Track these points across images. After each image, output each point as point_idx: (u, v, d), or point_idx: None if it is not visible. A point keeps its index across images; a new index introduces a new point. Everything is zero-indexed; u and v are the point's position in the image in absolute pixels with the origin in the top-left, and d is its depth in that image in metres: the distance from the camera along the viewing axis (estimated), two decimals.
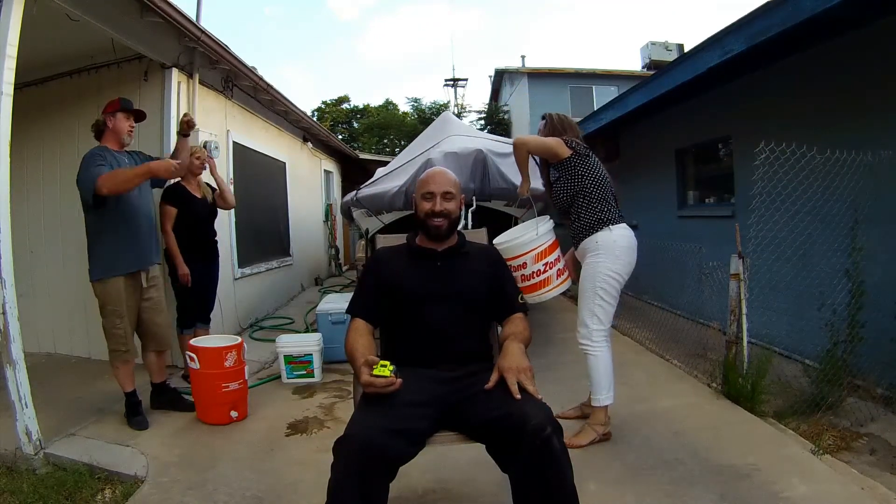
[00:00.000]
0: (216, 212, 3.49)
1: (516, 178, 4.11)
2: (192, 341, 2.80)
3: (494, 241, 2.20)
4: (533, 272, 2.17)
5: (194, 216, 3.28)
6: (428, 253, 1.75)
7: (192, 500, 2.03)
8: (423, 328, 1.64)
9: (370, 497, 1.27)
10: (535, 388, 1.41)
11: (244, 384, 2.79)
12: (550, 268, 2.21)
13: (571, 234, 2.50)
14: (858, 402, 2.74)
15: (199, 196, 3.33)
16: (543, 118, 2.65)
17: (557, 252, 2.29)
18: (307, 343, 3.44)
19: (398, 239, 1.92)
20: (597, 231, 2.35)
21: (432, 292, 1.67)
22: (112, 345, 2.65)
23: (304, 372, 3.39)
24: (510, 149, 4.42)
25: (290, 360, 3.38)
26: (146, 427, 2.64)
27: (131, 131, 2.77)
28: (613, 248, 2.31)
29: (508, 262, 2.02)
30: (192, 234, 3.26)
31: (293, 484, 2.12)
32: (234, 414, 2.72)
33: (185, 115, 2.98)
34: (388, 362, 1.41)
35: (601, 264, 2.31)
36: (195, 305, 3.33)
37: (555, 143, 2.43)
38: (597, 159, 2.47)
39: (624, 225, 2.38)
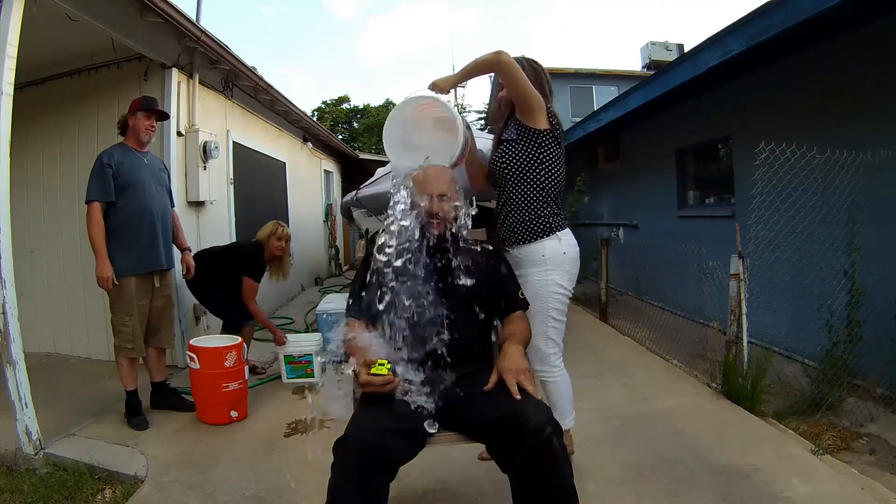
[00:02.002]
0: None
1: None
2: (193, 341, 2.80)
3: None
4: None
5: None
6: (428, 252, 1.72)
7: (192, 500, 2.03)
8: (422, 328, 1.64)
9: (370, 497, 1.27)
10: (534, 388, 1.41)
11: (244, 384, 2.79)
12: None
13: (504, 225, 2.05)
14: (858, 402, 2.74)
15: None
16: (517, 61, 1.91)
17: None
18: (307, 343, 3.45)
19: None
20: (543, 238, 1.96)
21: (433, 293, 1.65)
22: (118, 341, 2.68)
23: (304, 372, 3.39)
24: None
25: (290, 360, 3.39)
26: (146, 427, 2.64)
27: (150, 130, 2.77)
28: (563, 262, 1.96)
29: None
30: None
31: (293, 484, 2.12)
32: (234, 414, 2.71)
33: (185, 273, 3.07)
34: (385, 361, 1.41)
35: (550, 281, 1.95)
36: (236, 308, 3.36)
37: (539, 102, 1.93)
38: (563, 151, 2.05)
39: (568, 231, 2.02)
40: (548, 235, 1.96)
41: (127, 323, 2.65)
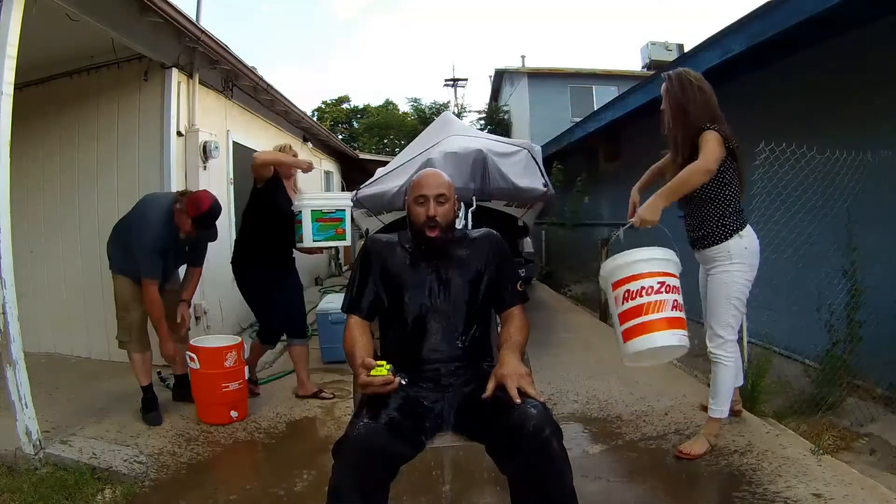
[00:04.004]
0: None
1: (516, 178, 4.13)
2: (193, 341, 2.80)
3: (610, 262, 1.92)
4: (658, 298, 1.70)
5: (286, 218, 2.93)
6: (427, 250, 1.68)
7: (193, 499, 2.03)
8: (422, 327, 1.63)
9: (371, 497, 1.27)
10: (536, 391, 1.40)
11: (244, 384, 2.79)
12: (673, 300, 1.79)
13: (694, 234, 2.25)
14: (858, 402, 2.74)
15: (292, 199, 3.01)
16: (669, 80, 2.21)
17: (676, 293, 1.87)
18: (339, 198, 2.94)
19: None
20: (727, 240, 2.13)
21: (432, 291, 1.65)
22: (118, 334, 2.73)
23: (334, 233, 2.92)
24: (510, 149, 4.46)
25: (318, 216, 2.83)
26: (159, 423, 2.65)
27: (191, 234, 2.67)
28: (746, 256, 2.13)
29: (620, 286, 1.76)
30: (281, 238, 2.94)
31: (293, 484, 2.12)
32: (234, 414, 2.72)
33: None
34: (384, 362, 1.41)
35: (736, 273, 2.13)
36: (281, 318, 2.99)
37: (717, 145, 2.06)
38: (737, 163, 2.19)
39: (749, 227, 2.18)
40: (730, 237, 2.14)
41: (124, 317, 2.71)
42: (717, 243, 2.16)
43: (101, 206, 3.75)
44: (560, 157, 8.29)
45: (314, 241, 2.83)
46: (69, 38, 3.26)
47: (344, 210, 2.89)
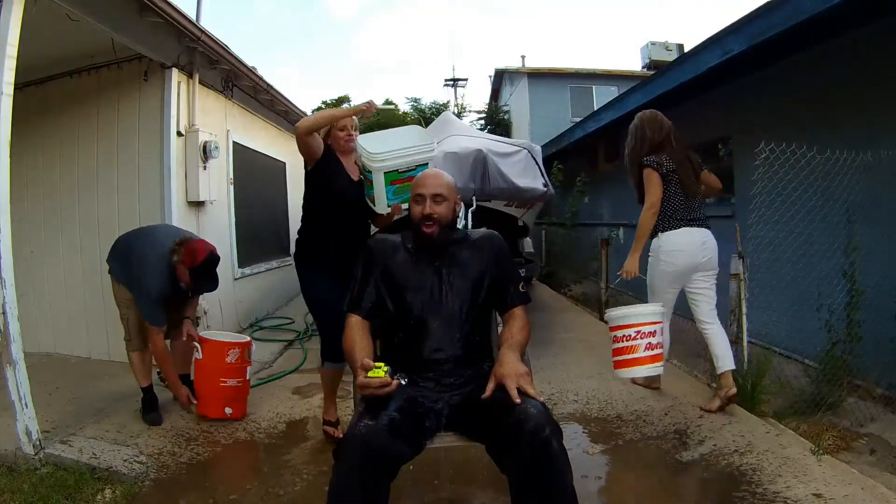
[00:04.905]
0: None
1: (516, 178, 4.14)
2: (203, 333, 2.80)
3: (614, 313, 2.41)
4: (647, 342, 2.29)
5: (346, 203, 2.38)
6: (428, 250, 1.70)
7: (193, 499, 2.03)
8: (423, 327, 1.64)
9: (371, 497, 1.27)
10: (536, 391, 1.41)
11: (245, 384, 2.78)
12: (646, 343, 2.31)
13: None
14: (858, 402, 2.74)
15: (354, 178, 2.43)
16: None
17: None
18: (418, 149, 2.29)
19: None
20: (653, 238, 2.74)
21: (434, 291, 1.65)
22: (125, 334, 2.73)
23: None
24: (510, 149, 4.46)
25: (393, 178, 2.25)
26: (160, 423, 2.65)
27: (189, 285, 2.62)
28: (661, 254, 2.72)
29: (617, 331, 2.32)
30: (342, 230, 2.38)
31: (294, 484, 2.12)
32: (228, 410, 2.70)
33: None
34: (382, 364, 1.41)
35: (653, 262, 2.77)
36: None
37: (653, 182, 2.67)
38: (671, 177, 2.72)
39: (673, 231, 2.69)
40: (655, 236, 2.73)
41: (124, 316, 2.70)
42: (651, 238, 2.76)
43: (101, 206, 3.75)
44: (560, 157, 8.28)
45: (389, 203, 2.29)
46: (69, 38, 3.26)
47: (426, 165, 2.26)
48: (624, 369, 2.35)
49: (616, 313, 2.38)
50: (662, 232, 2.68)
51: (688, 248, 2.66)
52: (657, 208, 2.65)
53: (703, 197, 2.86)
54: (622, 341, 2.30)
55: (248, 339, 2.83)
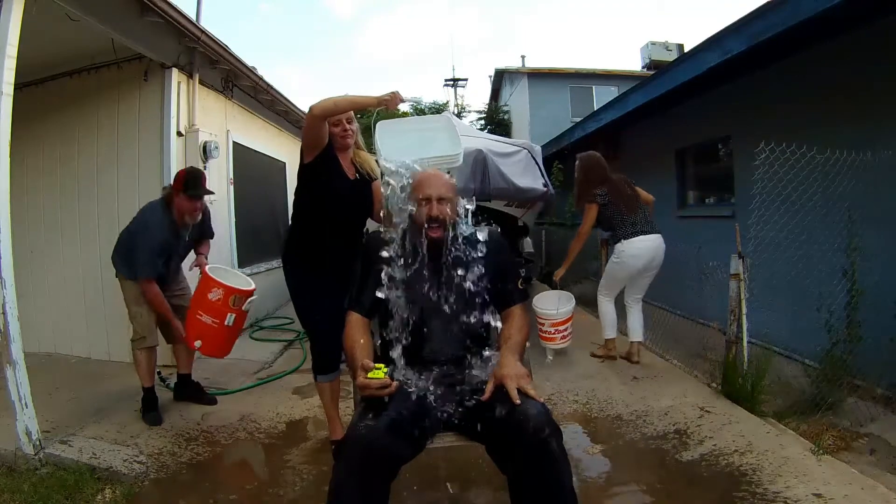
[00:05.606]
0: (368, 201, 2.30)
1: (516, 178, 4.14)
2: (217, 266, 2.80)
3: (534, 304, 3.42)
4: (549, 331, 3.51)
5: (341, 200, 2.22)
6: (429, 249, 1.68)
7: (193, 499, 2.03)
8: (423, 326, 1.63)
9: (371, 497, 1.27)
10: (535, 392, 1.40)
11: (221, 327, 2.58)
12: (559, 333, 3.51)
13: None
14: (858, 402, 2.74)
15: (350, 177, 2.25)
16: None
17: (569, 324, 3.52)
18: (445, 148, 2.22)
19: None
20: (615, 244, 3.47)
21: (433, 290, 1.65)
22: (133, 333, 2.73)
23: None
24: (510, 149, 4.46)
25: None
26: (160, 423, 2.65)
27: (194, 213, 2.66)
28: (616, 256, 3.45)
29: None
30: (335, 227, 2.24)
31: (294, 484, 2.12)
32: (197, 343, 2.61)
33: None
34: (382, 365, 1.41)
35: (610, 263, 3.54)
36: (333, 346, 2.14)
37: (588, 216, 3.47)
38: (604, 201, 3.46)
39: (628, 240, 3.37)
40: (615, 243, 3.48)
41: (138, 313, 2.70)
42: (613, 245, 3.50)
43: (101, 205, 3.75)
44: (560, 157, 8.28)
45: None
46: (69, 38, 3.26)
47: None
48: (547, 343, 3.51)
49: (545, 312, 3.44)
50: (624, 239, 3.35)
51: (645, 254, 3.33)
52: (584, 237, 3.48)
53: (650, 208, 3.58)
54: (547, 329, 3.50)
55: (249, 288, 2.70)
